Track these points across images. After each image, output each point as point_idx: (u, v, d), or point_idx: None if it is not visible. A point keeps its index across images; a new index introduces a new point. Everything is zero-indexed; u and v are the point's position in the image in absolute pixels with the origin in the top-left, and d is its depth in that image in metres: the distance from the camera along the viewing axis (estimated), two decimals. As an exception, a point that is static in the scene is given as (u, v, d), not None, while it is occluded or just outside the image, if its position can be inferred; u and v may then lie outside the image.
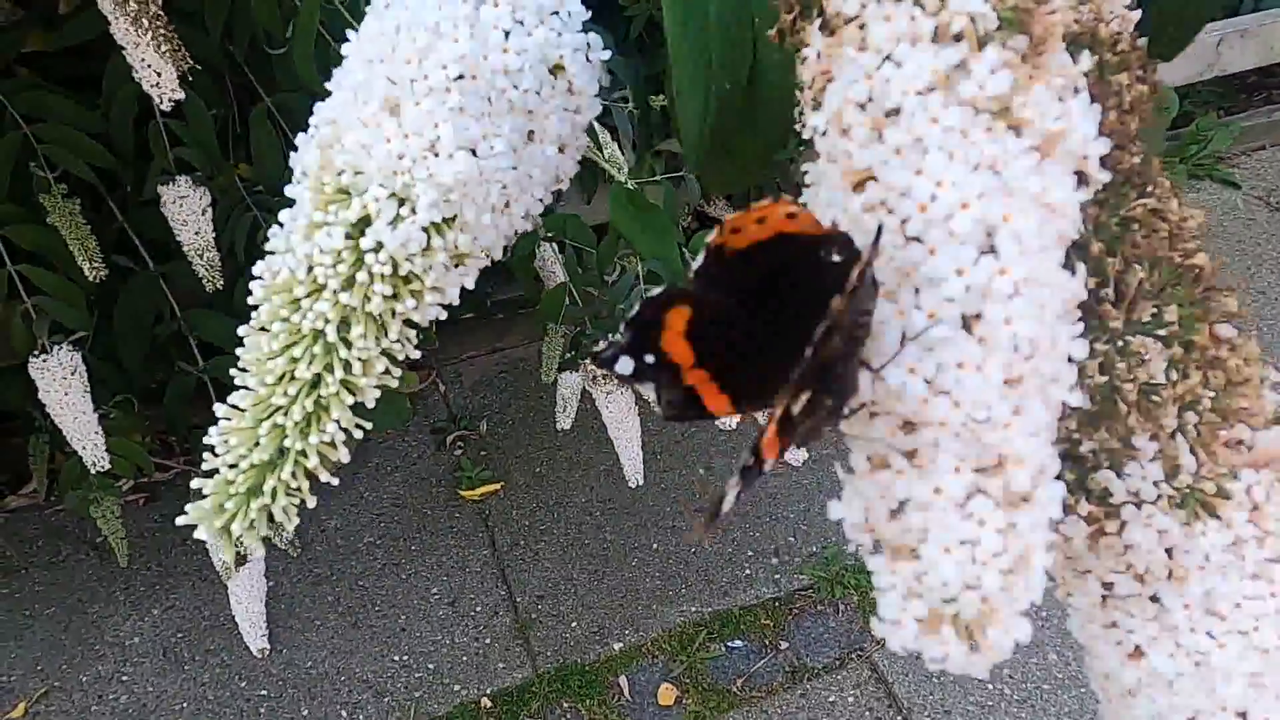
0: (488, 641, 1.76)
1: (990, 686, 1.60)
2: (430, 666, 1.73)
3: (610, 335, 1.22)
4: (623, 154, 1.63)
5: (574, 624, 1.78)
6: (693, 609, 1.78)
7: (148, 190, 1.51)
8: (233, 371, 0.30)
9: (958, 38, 0.23)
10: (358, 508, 1.99)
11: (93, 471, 1.43)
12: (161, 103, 1.15)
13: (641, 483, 1.63)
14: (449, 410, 2.20)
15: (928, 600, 0.23)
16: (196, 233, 1.51)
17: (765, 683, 1.68)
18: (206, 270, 1.53)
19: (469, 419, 2.18)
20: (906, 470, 0.23)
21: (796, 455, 1.59)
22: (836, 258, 0.24)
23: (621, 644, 1.74)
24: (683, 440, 2.09)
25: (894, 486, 0.24)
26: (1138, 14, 0.31)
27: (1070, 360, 0.24)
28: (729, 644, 1.73)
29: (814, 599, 1.78)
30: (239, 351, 0.30)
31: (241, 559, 1.56)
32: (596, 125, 1.45)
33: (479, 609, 1.81)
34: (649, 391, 0.27)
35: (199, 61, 1.51)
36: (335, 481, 0.31)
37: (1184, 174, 2.69)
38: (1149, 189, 0.30)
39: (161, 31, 0.93)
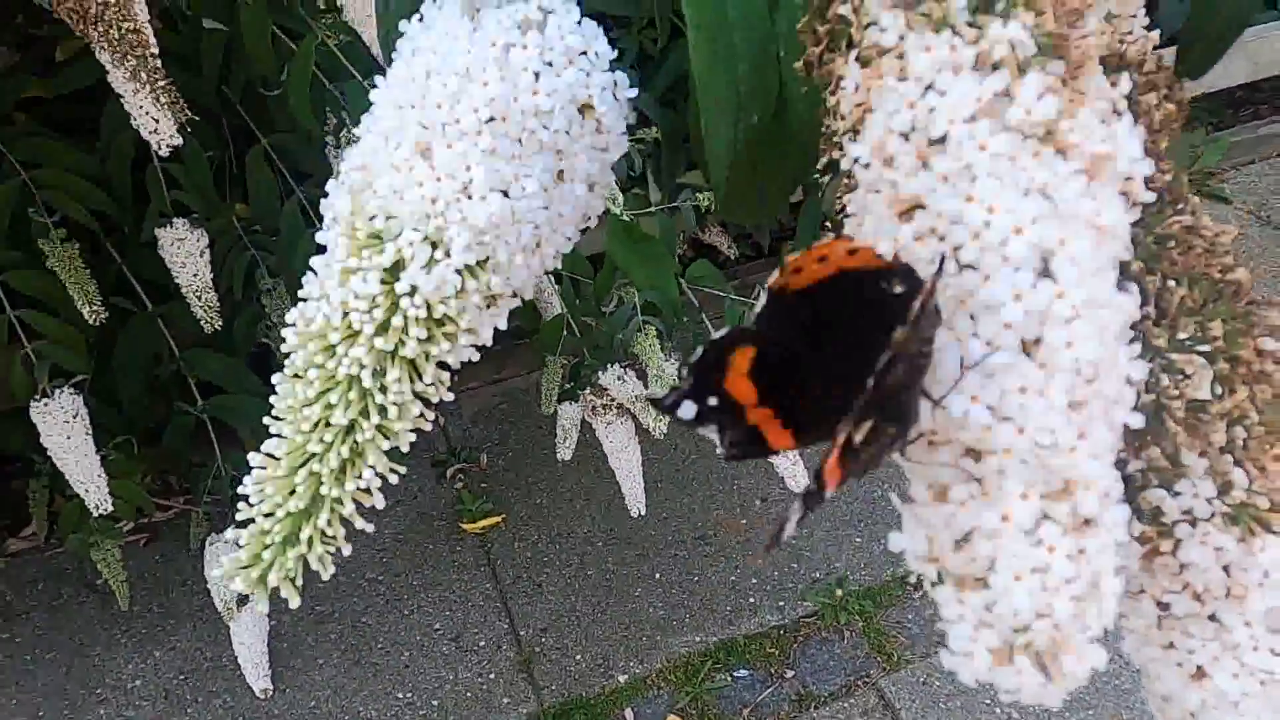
0: (492, 676, 1.74)
1: (997, 711, 1.59)
2: (434, 703, 1.71)
3: (610, 364, 1.21)
4: (649, 184, 1.64)
5: (578, 656, 1.77)
6: (697, 638, 1.76)
7: (146, 233, 1.51)
8: (266, 420, 0.30)
9: (997, 65, 0.23)
10: (359, 543, 1.93)
11: (95, 514, 1.42)
12: (159, 149, 1.16)
13: (643, 512, 1.63)
14: (449, 443, 2.19)
15: (999, 630, 0.23)
16: (194, 274, 1.52)
17: (772, 711, 1.66)
18: (204, 311, 1.53)
19: (469, 451, 2.17)
20: (972, 498, 0.23)
21: (799, 481, 1.58)
22: (899, 289, 0.24)
23: (626, 675, 1.72)
24: (683, 468, 2.08)
25: (959, 515, 0.23)
26: (1156, 33, 0.31)
27: (1129, 381, 0.24)
28: (734, 673, 1.71)
29: (819, 626, 1.77)
30: (272, 400, 0.30)
31: (243, 599, 1.55)
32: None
33: (482, 643, 1.80)
34: (712, 434, 0.27)
35: (195, 105, 1.52)
36: (370, 528, 0.31)
37: (1174, 188, 2.72)
38: (1181, 206, 0.30)
39: (160, 84, 0.94)
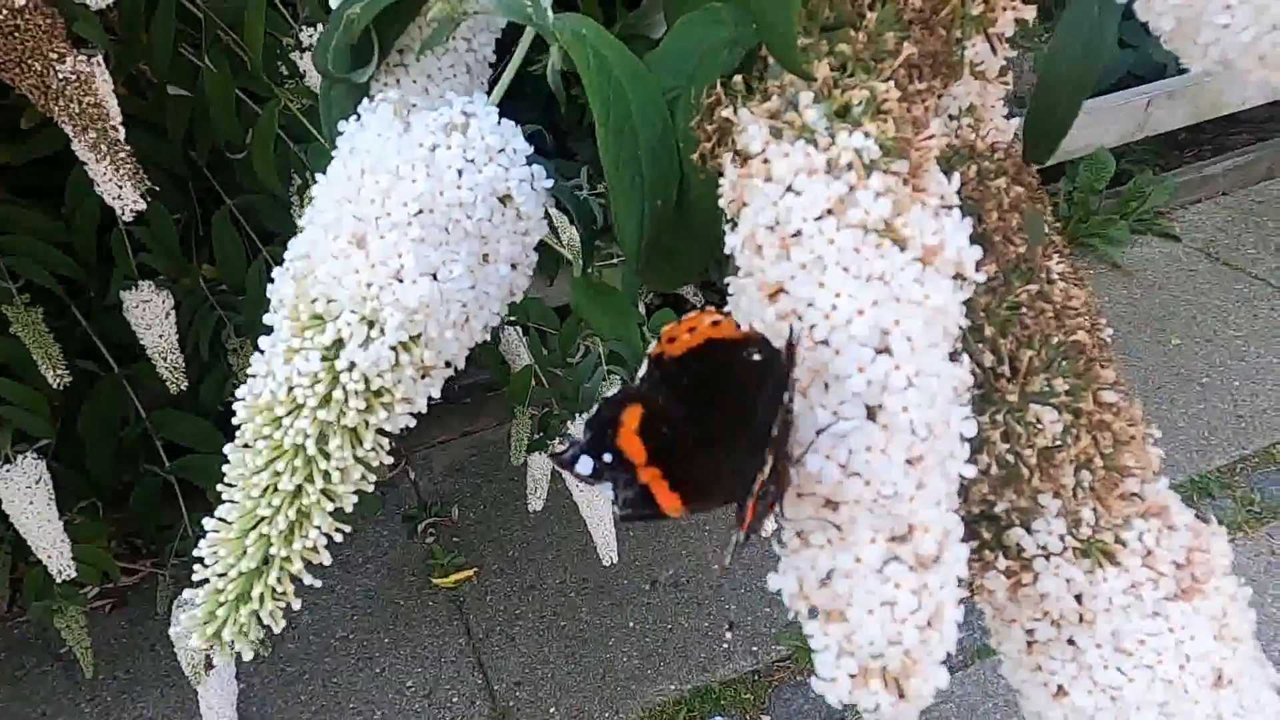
0: (466, 732, 1.74)
1: (967, 748, 1.61)
2: (409, 761, 1.70)
3: (577, 414, 1.24)
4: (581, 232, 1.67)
5: (552, 709, 1.76)
6: (672, 686, 1.77)
7: (111, 295, 1.52)
8: (220, 487, 0.33)
9: (849, 167, 0.27)
10: (329, 601, 1.97)
11: (58, 580, 1.41)
12: (124, 214, 1.18)
13: (616, 560, 1.64)
14: (419, 497, 2.20)
15: (858, 657, 0.26)
16: (160, 336, 1.53)
17: (749, 757, 1.67)
18: (170, 373, 1.54)
19: (440, 505, 2.17)
20: (830, 543, 0.27)
21: (767, 525, 1.61)
22: (758, 356, 0.28)
23: (602, 727, 1.72)
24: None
25: (819, 558, 0.27)
26: (1016, 122, 0.36)
27: (962, 438, 0.28)
28: (710, 720, 1.72)
29: (793, 669, 1.78)
30: (225, 469, 0.33)
31: (210, 662, 1.54)
32: (554, 211, 1.50)
33: (455, 699, 1.79)
34: (607, 491, 0.30)
35: (161, 168, 1.55)
36: (318, 584, 0.33)
37: (1126, 229, 2.81)
38: (1034, 274, 0.34)
39: (120, 155, 0.97)
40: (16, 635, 1.93)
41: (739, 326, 0.29)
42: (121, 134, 1.10)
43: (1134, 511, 0.32)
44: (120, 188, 1.18)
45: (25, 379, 1.47)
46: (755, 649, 1.82)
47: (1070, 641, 0.32)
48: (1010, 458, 0.32)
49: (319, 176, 0.34)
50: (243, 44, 1.41)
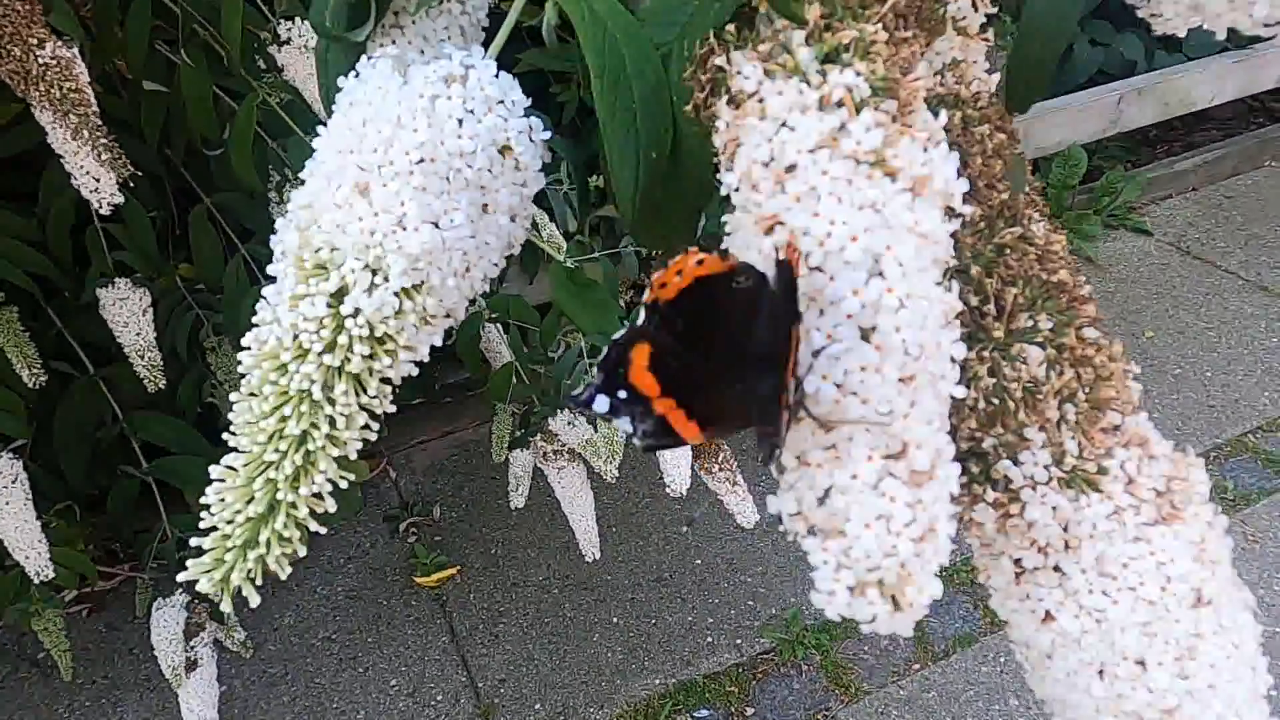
0: (451, 730, 1.73)
1: (953, 732, 1.63)
2: (394, 760, 1.69)
3: (559, 410, 1.24)
4: (560, 230, 1.68)
5: (537, 705, 1.76)
6: (656, 681, 1.78)
7: (87, 294, 1.51)
8: (226, 435, 0.33)
9: (839, 104, 0.28)
10: (311, 603, 1.96)
11: (36, 582, 1.40)
12: (100, 208, 1.17)
13: (598, 556, 1.64)
14: (401, 497, 2.19)
15: (855, 571, 0.27)
16: (137, 334, 1.52)
17: (734, 750, 1.68)
18: (148, 371, 1.53)
19: (422, 505, 2.17)
20: (828, 462, 0.28)
21: (748, 517, 1.62)
22: (746, 283, 0.29)
23: (586, 722, 1.73)
24: (637, 511, 2.10)
25: (818, 477, 0.28)
26: (996, 76, 0.37)
27: (953, 360, 0.29)
28: (695, 714, 1.73)
29: (777, 662, 1.79)
30: (231, 416, 0.33)
31: (192, 664, 1.52)
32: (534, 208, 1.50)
33: (439, 698, 1.79)
34: (625, 425, 0.31)
35: (137, 166, 1.53)
36: (324, 530, 0.34)
37: (1099, 224, 2.86)
38: (1017, 218, 0.35)
39: (101, 141, 0.96)
40: (-7, 641, 1.90)
41: (722, 259, 0.30)
42: (98, 115, 1.09)
43: (1116, 442, 0.34)
44: (98, 180, 1.17)
45: (0, 379, 1.45)
46: (739, 642, 1.84)
47: (1057, 568, 0.33)
48: (997, 393, 0.33)
49: (319, 138, 0.34)
50: (220, 39, 1.40)
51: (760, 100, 0.29)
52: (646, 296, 0.32)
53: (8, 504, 1.39)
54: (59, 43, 0.93)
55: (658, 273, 0.31)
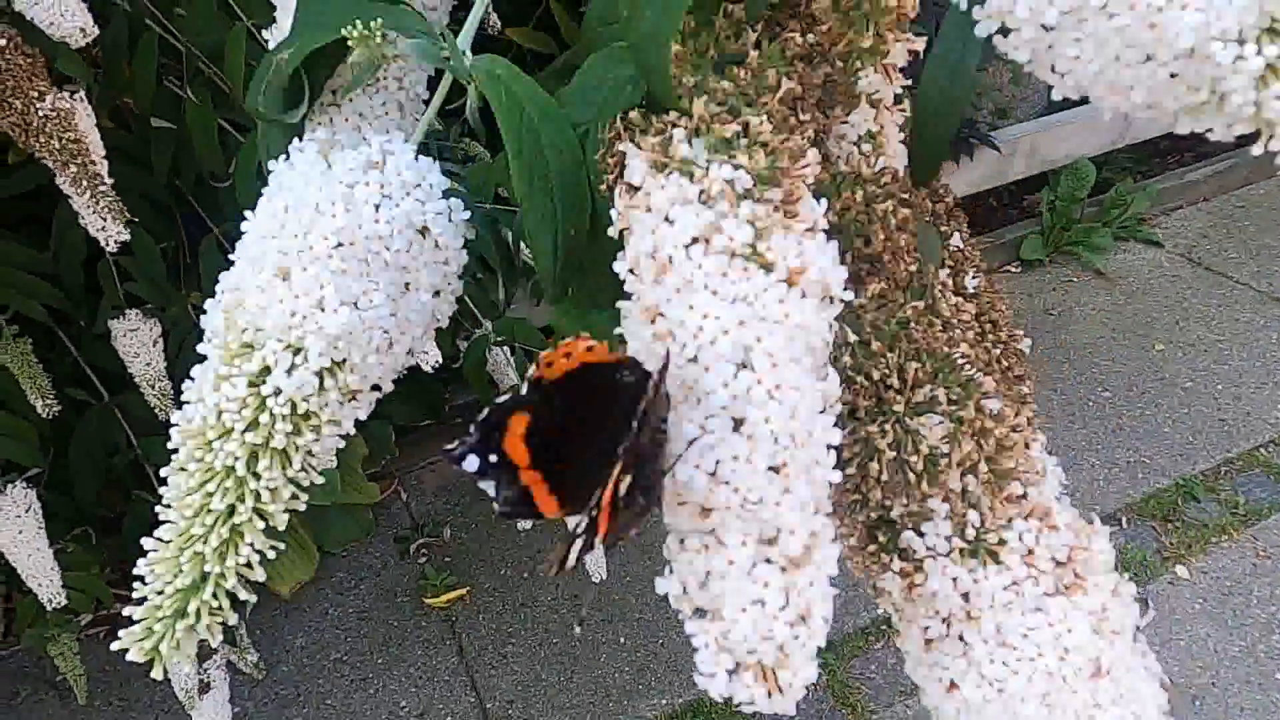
0: (460, 752, 1.74)
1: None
2: (403, 782, 1.70)
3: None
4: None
5: (546, 726, 1.77)
6: (664, 701, 1.78)
7: (99, 324, 1.54)
8: (158, 509, 0.35)
9: (721, 196, 0.29)
10: (323, 624, 1.98)
11: (49, 609, 1.43)
12: (108, 246, 1.20)
13: (605, 576, 1.65)
14: (411, 518, 2.21)
15: (735, 653, 0.28)
16: (148, 364, 1.55)
17: (740, 768, 1.67)
18: (159, 400, 1.55)
19: (432, 525, 2.19)
20: (706, 547, 0.28)
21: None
22: (630, 378, 0.30)
23: (595, 743, 1.73)
24: (644, 531, 2.11)
25: (696, 561, 0.29)
26: (903, 152, 0.38)
27: (829, 447, 0.30)
28: (703, 733, 1.73)
29: (783, 679, 1.79)
30: (161, 490, 0.35)
31: (205, 686, 1.55)
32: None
33: (449, 719, 1.80)
34: (489, 488, 0.32)
35: (147, 197, 1.57)
36: (252, 599, 0.35)
37: (1109, 236, 2.84)
38: (927, 289, 0.36)
39: (100, 189, 0.99)
40: (11, 664, 1.94)
41: (612, 351, 0.31)
42: (104, 168, 1.12)
43: (1016, 512, 0.34)
44: (104, 220, 1.21)
45: (14, 409, 1.48)
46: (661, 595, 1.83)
47: (960, 638, 0.34)
48: (900, 465, 0.34)
49: (246, 223, 0.36)
50: (224, 75, 1.44)
51: (646, 193, 0.30)
52: (532, 372, 0.33)
53: (21, 533, 1.42)
54: (60, 94, 0.96)
55: (548, 350, 0.32)
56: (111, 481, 1.73)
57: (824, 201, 0.30)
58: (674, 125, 0.31)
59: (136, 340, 1.53)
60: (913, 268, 0.36)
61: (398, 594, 2.06)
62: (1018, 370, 0.44)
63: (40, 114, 0.93)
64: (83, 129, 1.05)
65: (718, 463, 0.28)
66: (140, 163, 1.55)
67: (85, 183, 0.97)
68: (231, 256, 0.35)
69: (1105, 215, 2.90)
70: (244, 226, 0.35)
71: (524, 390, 0.32)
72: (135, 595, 0.34)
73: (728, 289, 0.28)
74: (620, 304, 0.32)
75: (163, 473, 0.35)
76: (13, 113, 0.92)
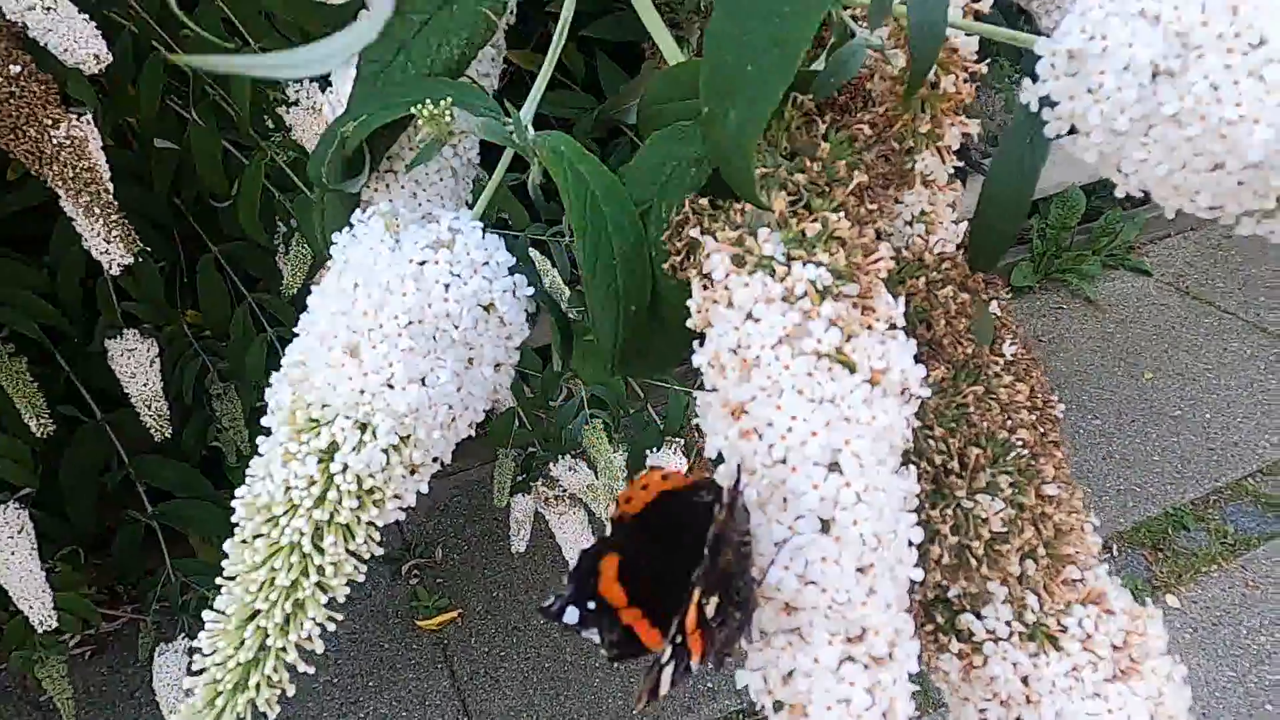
0: (452, 777, 1.73)
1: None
2: (394, 809, 1.69)
3: (560, 456, 1.24)
4: (562, 278, 1.70)
5: (537, 751, 1.76)
6: (657, 725, 1.77)
7: (96, 343, 1.53)
8: (219, 580, 0.35)
9: (804, 295, 0.30)
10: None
11: (40, 630, 1.41)
12: (110, 269, 1.19)
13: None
14: (403, 538, 2.20)
15: (819, 752, 0.28)
16: (144, 384, 1.54)
17: (735, 797, 1.67)
18: (154, 420, 1.54)
19: (425, 546, 2.17)
20: (790, 645, 0.29)
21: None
22: (709, 498, 0.30)
23: (588, 767, 1.72)
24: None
25: (782, 658, 0.29)
26: (963, 226, 0.38)
27: (910, 544, 0.30)
28: (697, 759, 1.73)
29: (777, 705, 1.79)
30: (224, 564, 0.35)
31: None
32: (537, 255, 1.52)
33: (440, 744, 1.79)
34: (594, 636, 0.32)
35: (146, 217, 1.56)
36: (311, 670, 0.35)
37: (1098, 264, 2.87)
38: (981, 374, 0.37)
39: (113, 219, 0.99)
40: (-3, 685, 1.91)
41: (686, 476, 0.32)
42: (110, 190, 1.12)
43: (1075, 597, 0.35)
44: (107, 242, 1.20)
45: (7, 427, 1.47)
46: (740, 689, 1.83)
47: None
48: (960, 548, 0.34)
49: (313, 297, 0.36)
50: (229, 99, 1.43)
51: (727, 289, 0.31)
52: (613, 512, 0.33)
53: (13, 554, 1.40)
54: (74, 121, 0.95)
55: (623, 489, 0.33)
56: (102, 500, 1.72)
57: (901, 299, 0.31)
58: (751, 216, 0.32)
59: (134, 360, 1.53)
60: (969, 350, 0.37)
61: (389, 616, 2.04)
62: (1053, 435, 0.44)
63: (54, 142, 0.93)
64: (90, 150, 1.05)
65: (806, 564, 0.28)
66: (140, 181, 1.55)
67: (98, 210, 0.96)
68: (297, 329, 0.35)
69: (1095, 243, 2.94)
70: (310, 302, 0.35)
71: (609, 531, 0.33)
72: (194, 667, 0.34)
73: (815, 390, 0.29)
74: (697, 395, 0.32)
75: (225, 546, 0.35)
76: (27, 140, 0.91)
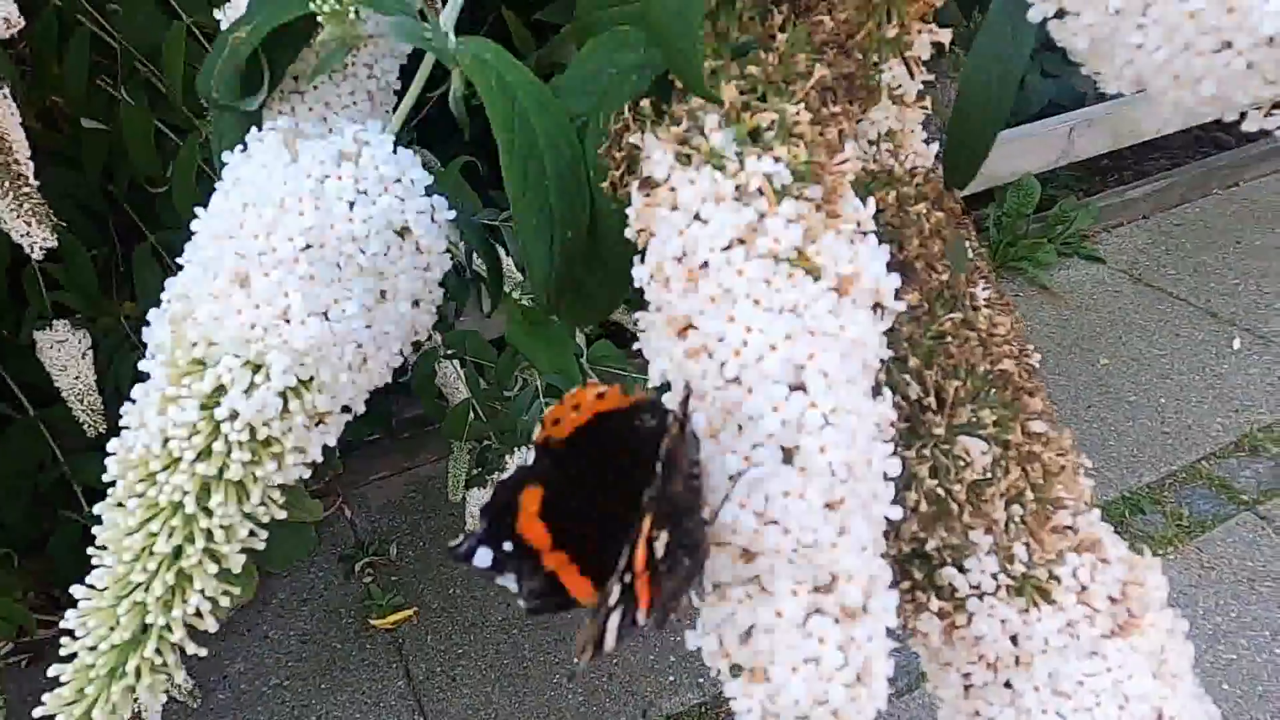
0: (407, 780, 1.68)
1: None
2: (348, 815, 1.63)
3: (516, 448, 1.19)
4: (515, 265, 1.66)
5: (496, 751, 1.72)
6: (618, 723, 1.74)
7: (24, 335, 1.46)
8: (90, 550, 0.30)
9: (759, 193, 0.26)
10: (262, 648, 1.89)
11: (-34, 644, 1.33)
12: (33, 252, 1.13)
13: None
14: (356, 536, 2.13)
15: (783, 719, 0.24)
16: (76, 377, 1.47)
17: (698, 792, 1.64)
18: (88, 415, 1.48)
19: (378, 544, 2.11)
20: (749, 597, 0.25)
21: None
22: (652, 421, 0.26)
23: (548, 767, 1.68)
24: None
25: (738, 614, 0.25)
26: (934, 147, 0.35)
27: (886, 478, 0.26)
28: (659, 754, 1.69)
29: (741, 699, 1.77)
30: (95, 530, 0.30)
31: (136, 717, 1.46)
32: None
33: (396, 746, 1.73)
34: (510, 583, 0.27)
35: (78, 203, 1.49)
36: (204, 652, 0.30)
37: (1053, 252, 2.89)
38: (959, 302, 0.33)
39: (26, 194, 0.92)
40: (-76, 697, 1.81)
41: (625, 393, 0.27)
42: (29, 169, 1.05)
43: (1067, 546, 0.31)
44: (28, 225, 1.13)
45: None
46: (701, 680, 1.80)
47: (1007, 684, 0.31)
48: (939, 493, 0.31)
49: (198, 221, 0.31)
50: (161, 75, 1.37)
51: (672, 189, 0.26)
52: (537, 435, 0.28)
53: (-61, 559, 1.33)
54: (-23, 94, 0.89)
55: (550, 408, 0.27)
56: (37, 500, 1.64)
57: (871, 201, 0.27)
58: (695, 114, 0.28)
59: (64, 352, 1.46)
60: (944, 277, 0.33)
61: (342, 615, 1.98)
62: (1030, 386, 0.41)
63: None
64: (5, 127, 0.98)
65: (766, 499, 0.24)
66: (70, 165, 1.48)
67: (7, 184, 0.90)
68: (180, 260, 0.31)
69: (1050, 231, 2.96)
70: (195, 226, 0.31)
71: (530, 459, 0.28)
72: (63, 651, 0.29)
73: (773, 299, 0.25)
74: (638, 316, 0.28)
75: (96, 509, 0.30)
76: (-67, 119, 0.84)
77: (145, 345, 1.10)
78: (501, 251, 1.60)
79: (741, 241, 0.25)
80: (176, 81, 1.32)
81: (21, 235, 1.15)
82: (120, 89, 1.39)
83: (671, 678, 1.79)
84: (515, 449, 1.59)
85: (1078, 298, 2.79)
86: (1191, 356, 2.52)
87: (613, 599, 0.24)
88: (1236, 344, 2.58)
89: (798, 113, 0.26)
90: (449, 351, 1.69)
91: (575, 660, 0.23)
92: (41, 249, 1.17)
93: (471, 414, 1.65)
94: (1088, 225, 3.02)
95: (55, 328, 1.44)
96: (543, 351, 1.56)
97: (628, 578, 0.24)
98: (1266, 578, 1.96)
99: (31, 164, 1.08)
